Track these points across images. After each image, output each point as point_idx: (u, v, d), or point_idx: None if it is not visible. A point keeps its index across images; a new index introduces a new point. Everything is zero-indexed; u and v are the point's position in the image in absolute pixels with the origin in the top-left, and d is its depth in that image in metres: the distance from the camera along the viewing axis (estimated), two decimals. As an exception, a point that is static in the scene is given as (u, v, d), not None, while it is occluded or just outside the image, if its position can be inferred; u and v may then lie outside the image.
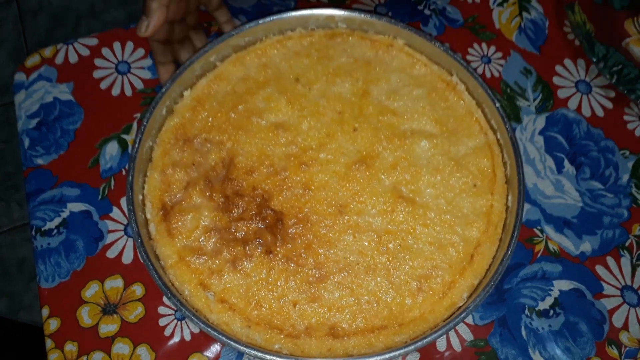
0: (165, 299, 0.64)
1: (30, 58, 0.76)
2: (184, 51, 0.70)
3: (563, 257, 0.68)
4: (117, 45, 0.77)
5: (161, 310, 0.64)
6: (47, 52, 0.76)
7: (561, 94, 0.77)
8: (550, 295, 0.66)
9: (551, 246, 0.68)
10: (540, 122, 0.75)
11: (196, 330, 0.63)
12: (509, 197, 0.62)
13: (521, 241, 0.68)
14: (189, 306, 0.56)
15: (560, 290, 0.66)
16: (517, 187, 0.60)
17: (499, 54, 0.79)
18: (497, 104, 0.64)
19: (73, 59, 0.76)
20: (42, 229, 0.67)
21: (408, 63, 0.69)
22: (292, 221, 0.60)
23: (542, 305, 0.65)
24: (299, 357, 0.55)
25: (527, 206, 0.70)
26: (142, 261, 0.56)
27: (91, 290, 0.64)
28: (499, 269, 0.57)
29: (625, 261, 0.68)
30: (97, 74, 0.75)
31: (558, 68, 0.78)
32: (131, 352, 0.62)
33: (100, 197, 0.69)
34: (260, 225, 0.60)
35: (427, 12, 0.81)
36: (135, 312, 0.63)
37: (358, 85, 0.67)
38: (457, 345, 0.63)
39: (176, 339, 0.63)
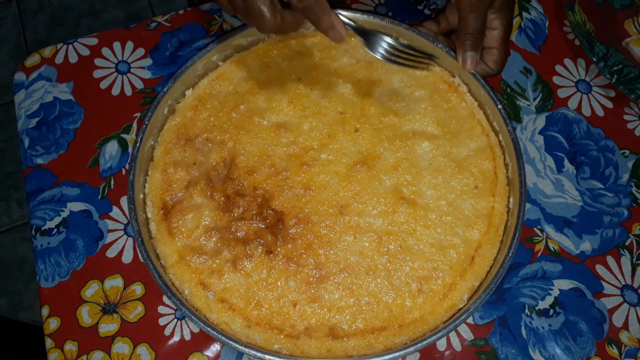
0: (165, 299, 0.64)
1: (30, 58, 0.76)
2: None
3: (563, 256, 0.68)
4: (117, 45, 0.76)
5: (161, 309, 0.64)
6: (47, 51, 0.76)
7: (561, 93, 0.77)
8: (550, 294, 0.66)
9: (551, 245, 0.68)
10: (540, 121, 0.75)
11: (196, 330, 0.63)
12: (510, 199, 0.62)
13: (521, 241, 0.68)
14: (189, 305, 0.56)
15: (560, 290, 0.66)
16: (519, 189, 0.60)
17: (500, 54, 0.79)
18: (500, 106, 0.64)
19: (73, 58, 0.76)
20: (42, 228, 0.67)
21: (409, 63, 0.69)
22: (292, 221, 0.60)
23: (542, 305, 0.65)
24: (299, 357, 0.55)
25: (527, 205, 0.69)
26: (142, 260, 0.56)
27: (91, 290, 0.64)
28: (500, 271, 0.57)
29: (626, 260, 0.68)
30: (97, 74, 0.75)
31: (558, 68, 0.78)
32: (131, 352, 0.62)
33: (100, 196, 0.69)
34: (260, 225, 0.60)
35: (427, 12, 0.81)
36: (135, 312, 0.63)
37: (360, 85, 0.67)
38: (457, 345, 0.63)
39: (176, 338, 0.63)
